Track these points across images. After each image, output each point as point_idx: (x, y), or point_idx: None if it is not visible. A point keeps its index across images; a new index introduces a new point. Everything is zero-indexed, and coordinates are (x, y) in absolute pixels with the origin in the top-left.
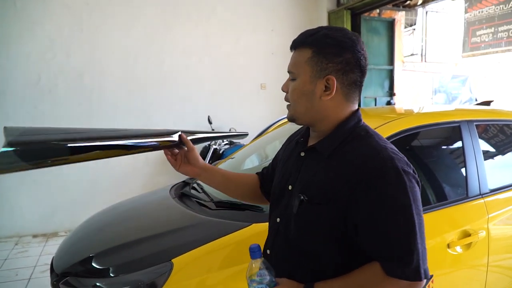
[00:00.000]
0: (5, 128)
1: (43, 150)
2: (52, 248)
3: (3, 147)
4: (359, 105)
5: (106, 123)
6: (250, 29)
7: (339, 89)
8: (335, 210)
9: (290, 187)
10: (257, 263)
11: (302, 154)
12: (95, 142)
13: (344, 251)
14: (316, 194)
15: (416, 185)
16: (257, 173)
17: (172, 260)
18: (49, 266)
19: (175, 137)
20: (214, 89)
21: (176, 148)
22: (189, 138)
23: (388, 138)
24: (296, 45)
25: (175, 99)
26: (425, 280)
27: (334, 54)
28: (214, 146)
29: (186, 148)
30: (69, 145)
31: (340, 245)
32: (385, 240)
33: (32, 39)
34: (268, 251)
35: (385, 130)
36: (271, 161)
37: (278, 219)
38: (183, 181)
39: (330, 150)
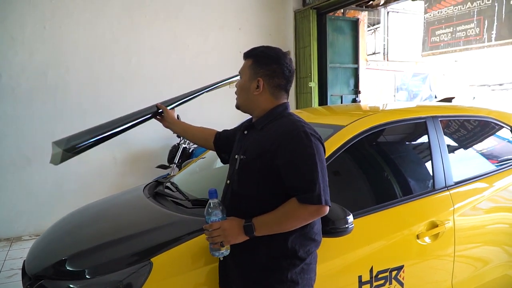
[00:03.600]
0: (53, 143)
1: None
2: (17, 252)
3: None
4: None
5: (70, 123)
6: (218, 27)
7: (266, 88)
8: (263, 162)
9: (236, 157)
10: (213, 202)
11: (245, 132)
12: (106, 133)
13: (270, 194)
14: (251, 153)
15: (319, 144)
16: (217, 132)
17: (151, 259)
18: (15, 272)
19: (153, 109)
20: (183, 87)
21: (159, 114)
22: (165, 105)
23: (359, 134)
24: (245, 56)
25: (143, 97)
26: (327, 207)
27: (264, 63)
28: (184, 145)
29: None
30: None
31: (266, 187)
32: (297, 177)
33: None
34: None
35: (356, 127)
36: (233, 127)
37: (228, 181)
38: (156, 181)
39: (262, 125)
